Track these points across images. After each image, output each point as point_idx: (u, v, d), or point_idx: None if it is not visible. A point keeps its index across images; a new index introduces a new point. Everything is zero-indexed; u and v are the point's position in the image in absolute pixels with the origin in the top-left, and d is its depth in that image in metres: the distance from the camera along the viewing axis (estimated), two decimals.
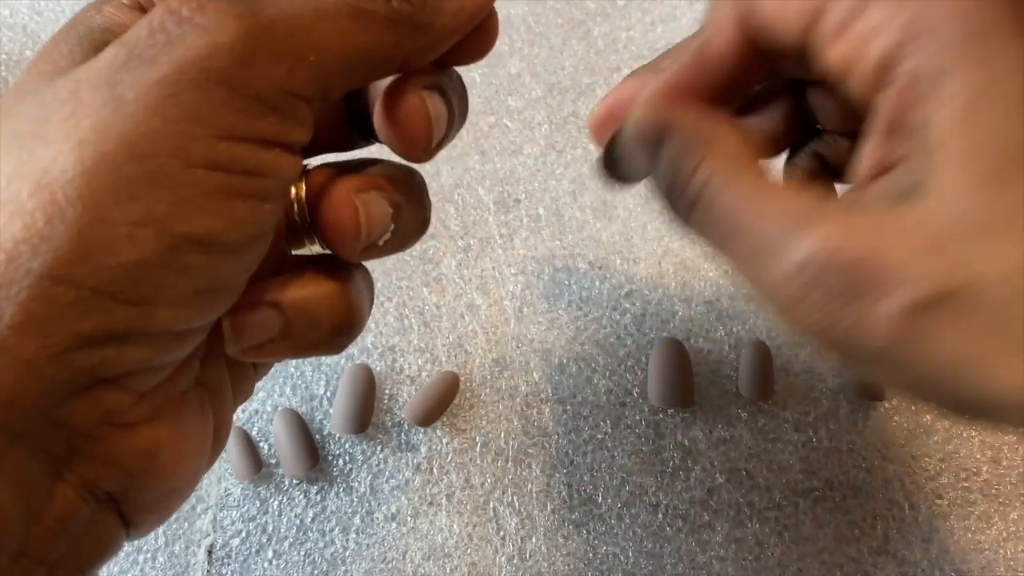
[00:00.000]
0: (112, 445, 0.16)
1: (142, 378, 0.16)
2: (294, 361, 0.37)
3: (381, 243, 0.19)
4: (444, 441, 0.35)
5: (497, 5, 0.19)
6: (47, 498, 0.15)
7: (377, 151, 0.22)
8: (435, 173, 0.40)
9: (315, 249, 0.20)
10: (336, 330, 0.19)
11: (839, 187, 0.22)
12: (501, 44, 0.43)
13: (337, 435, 0.36)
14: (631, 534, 0.34)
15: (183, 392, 0.18)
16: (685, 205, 0.17)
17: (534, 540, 0.34)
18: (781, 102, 0.21)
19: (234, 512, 0.34)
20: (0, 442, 0.14)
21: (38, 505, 0.15)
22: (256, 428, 0.36)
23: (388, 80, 0.19)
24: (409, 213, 0.20)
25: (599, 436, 0.36)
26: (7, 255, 0.14)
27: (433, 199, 0.23)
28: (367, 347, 0.37)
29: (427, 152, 0.20)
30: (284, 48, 0.16)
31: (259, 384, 0.24)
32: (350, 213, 0.18)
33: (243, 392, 0.21)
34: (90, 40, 0.17)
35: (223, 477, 0.35)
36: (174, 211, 0.15)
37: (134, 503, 0.17)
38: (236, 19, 0.15)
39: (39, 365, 0.14)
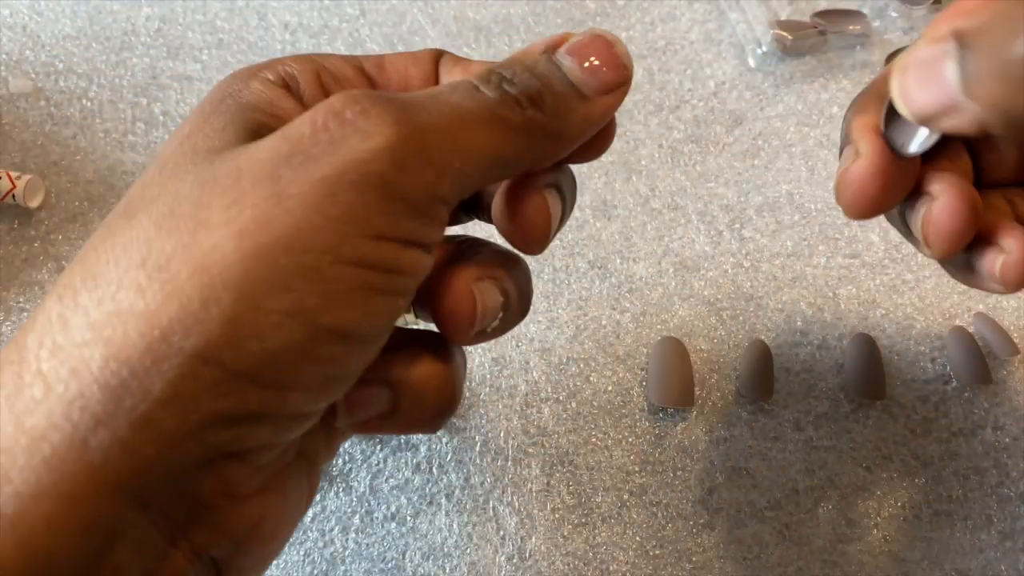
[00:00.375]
0: (226, 515, 0.17)
1: (263, 454, 0.17)
2: None
3: (488, 330, 0.20)
4: (443, 440, 0.35)
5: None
6: (161, 561, 0.16)
7: (474, 227, 0.22)
8: None
9: (409, 319, 0.20)
10: (439, 411, 0.20)
11: None
12: (501, 43, 0.43)
13: None
14: (631, 534, 0.34)
15: (287, 463, 0.19)
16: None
17: (534, 540, 0.34)
18: None
19: None
20: (130, 508, 0.15)
21: (152, 567, 0.16)
22: None
23: None
24: (516, 300, 0.21)
25: (599, 435, 0.36)
26: (162, 333, 0.15)
27: None
28: None
29: (543, 247, 0.20)
30: (433, 154, 0.16)
31: None
32: (469, 303, 0.19)
33: (330, 456, 0.22)
34: (242, 119, 0.18)
35: None
36: (322, 304, 0.16)
37: (233, 568, 0.18)
38: (394, 126, 0.16)
39: (177, 439, 0.15)
